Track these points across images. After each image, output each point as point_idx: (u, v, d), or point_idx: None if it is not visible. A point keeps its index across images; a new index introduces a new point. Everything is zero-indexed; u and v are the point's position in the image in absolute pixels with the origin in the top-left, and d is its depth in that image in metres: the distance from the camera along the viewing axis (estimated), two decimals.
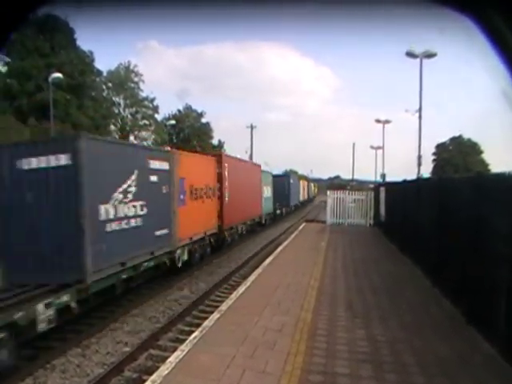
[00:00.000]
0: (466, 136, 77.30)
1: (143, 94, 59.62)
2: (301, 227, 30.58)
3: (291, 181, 50.55)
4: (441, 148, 77.26)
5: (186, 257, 17.09)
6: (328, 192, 34.61)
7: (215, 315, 9.72)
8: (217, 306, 11.19)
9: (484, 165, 70.30)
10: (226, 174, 22.85)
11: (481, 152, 76.96)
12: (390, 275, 14.37)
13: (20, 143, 12.57)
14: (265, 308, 10.15)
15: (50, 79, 30.49)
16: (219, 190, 21.86)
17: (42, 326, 9.26)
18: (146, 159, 13.77)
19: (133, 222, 12.55)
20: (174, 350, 8.25)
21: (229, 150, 73.46)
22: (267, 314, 9.75)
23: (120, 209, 11.87)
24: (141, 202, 12.97)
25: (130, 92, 58.42)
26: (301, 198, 62.34)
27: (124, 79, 57.70)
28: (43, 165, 10.33)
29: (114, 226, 11.54)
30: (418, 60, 26.88)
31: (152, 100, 60.18)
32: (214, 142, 72.38)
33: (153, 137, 59.36)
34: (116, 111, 57.24)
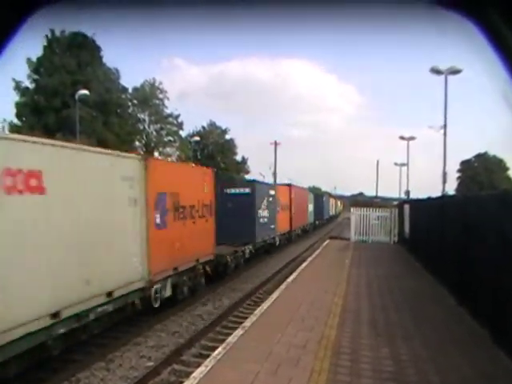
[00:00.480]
0: (491, 152, 76.45)
1: (168, 111, 60.31)
2: (325, 244, 30.46)
3: (324, 199, 62.78)
4: (466, 165, 76.46)
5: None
6: (352, 209, 34.47)
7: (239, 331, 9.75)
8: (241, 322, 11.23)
9: (510, 182, 69.32)
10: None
11: (507, 169, 75.99)
12: (413, 293, 14.22)
13: (226, 180, 25.70)
14: (288, 324, 10.13)
15: (76, 96, 31.07)
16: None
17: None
18: None
19: None
20: (198, 365, 8.27)
21: (252, 166, 73.89)
22: (291, 330, 9.73)
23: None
24: None
25: (155, 108, 59.11)
26: (331, 213, 74.93)
27: (149, 96, 58.42)
28: (237, 191, 22.82)
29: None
30: (442, 76, 26.76)
31: (177, 117, 60.83)
32: (238, 158, 72.67)
33: (177, 153, 59.89)
34: (141, 127, 57.94)
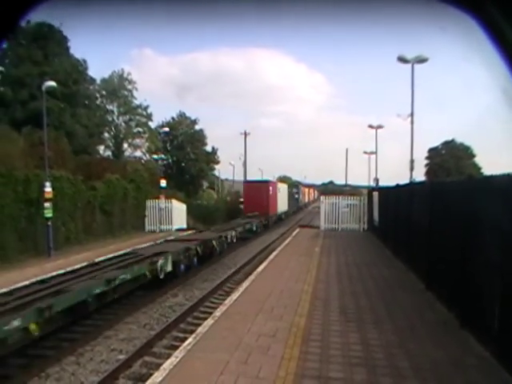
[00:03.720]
0: (458, 140, 77.62)
1: (137, 102, 59.63)
2: (295, 232, 30.63)
3: (300, 189, 73.65)
4: (433, 152, 77.38)
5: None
6: (321, 197, 34.72)
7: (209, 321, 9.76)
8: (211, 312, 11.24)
9: (476, 168, 70.59)
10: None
11: (473, 156, 77.30)
12: (383, 279, 14.42)
13: None
14: (258, 313, 10.18)
15: (43, 87, 30.47)
16: None
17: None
18: None
19: None
20: (169, 356, 8.25)
21: (222, 156, 73.69)
22: (261, 319, 9.78)
23: None
24: None
25: (124, 100, 58.35)
26: (305, 201, 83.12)
27: (117, 87, 57.64)
28: None
29: None
30: (415, 64, 26.92)
31: (145, 108, 60.16)
32: (208, 148, 72.34)
33: (147, 144, 59.35)
34: (110, 119, 57.16)
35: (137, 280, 14.32)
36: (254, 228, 33.55)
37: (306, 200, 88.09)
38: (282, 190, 50.15)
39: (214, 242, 21.86)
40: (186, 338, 9.38)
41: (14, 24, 1.92)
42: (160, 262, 15.24)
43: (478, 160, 75.97)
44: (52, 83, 30.95)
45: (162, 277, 15.28)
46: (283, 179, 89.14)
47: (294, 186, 73.28)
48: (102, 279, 12.35)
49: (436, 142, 78.87)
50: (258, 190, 40.49)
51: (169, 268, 15.96)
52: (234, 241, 26.11)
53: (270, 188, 42.32)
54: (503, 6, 1.71)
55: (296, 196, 67.21)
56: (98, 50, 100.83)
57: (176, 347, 9.15)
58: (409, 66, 26.67)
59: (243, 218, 36.52)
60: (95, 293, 11.82)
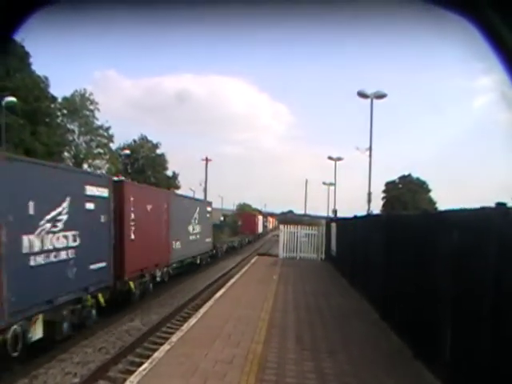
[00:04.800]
0: (415, 175, 79.64)
1: (98, 123, 59.14)
2: (253, 260, 30.66)
3: (268, 219, 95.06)
4: (390, 185, 79.12)
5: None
6: (281, 226, 34.97)
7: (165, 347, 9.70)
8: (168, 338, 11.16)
9: (432, 203, 72.42)
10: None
11: (429, 190, 79.34)
12: (339, 308, 14.61)
13: None
14: (215, 340, 10.18)
15: (3, 103, 30.02)
16: None
17: None
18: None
19: None
20: (124, 381, 8.17)
21: (183, 181, 73.44)
22: (218, 345, 9.78)
23: None
24: None
25: (85, 120, 57.78)
26: (259, 231, 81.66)
27: (79, 106, 57.13)
28: None
29: None
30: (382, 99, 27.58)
31: (107, 129, 59.71)
32: (169, 173, 72.08)
33: (107, 166, 58.71)
34: (70, 138, 56.46)
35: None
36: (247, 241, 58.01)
37: (270, 227, 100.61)
38: (261, 219, 79.61)
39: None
40: (142, 363, 9.30)
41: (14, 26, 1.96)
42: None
43: (432, 195, 78.05)
44: (12, 99, 30.53)
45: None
46: (243, 206, 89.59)
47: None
48: None
49: (393, 176, 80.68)
50: (250, 218, 71.09)
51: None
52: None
53: (256, 218, 74.27)
54: (501, 9, 1.72)
55: (265, 223, 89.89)
56: (60, 68, 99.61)
57: (132, 372, 9.06)
58: (368, 100, 27.39)
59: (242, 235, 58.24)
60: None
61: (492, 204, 6.16)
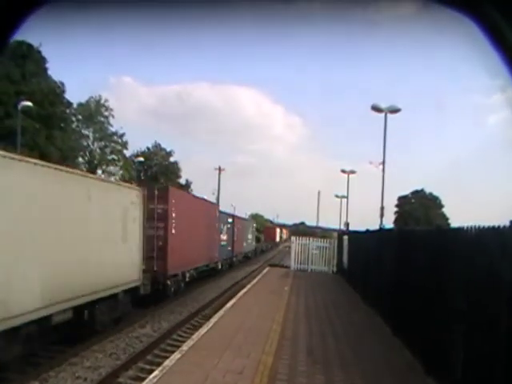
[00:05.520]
0: (427, 190, 79.26)
1: (112, 129, 59.59)
2: (265, 271, 30.60)
3: (282, 231, 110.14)
4: (403, 200, 78.78)
5: None
6: (292, 238, 34.91)
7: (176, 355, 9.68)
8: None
9: (445, 218, 71.98)
10: None
11: (442, 206, 78.93)
12: (351, 322, 14.51)
13: None
14: (226, 350, 10.14)
15: (19, 106, 30.28)
16: None
17: None
18: None
19: None
20: None
21: (196, 190, 73.65)
22: (228, 355, 9.74)
23: None
24: None
25: (100, 126, 58.29)
26: (278, 240, 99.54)
27: (94, 113, 57.61)
28: None
29: None
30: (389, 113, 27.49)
31: (121, 135, 60.16)
32: (182, 181, 72.34)
33: (121, 172, 59.04)
34: (85, 144, 56.94)
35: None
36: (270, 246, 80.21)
37: (284, 238, 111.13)
38: (278, 231, 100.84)
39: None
40: (152, 370, 9.28)
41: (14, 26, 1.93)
42: None
43: (445, 211, 77.60)
44: (28, 103, 30.78)
45: None
46: (256, 217, 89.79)
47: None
48: None
49: (406, 190, 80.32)
50: (271, 230, 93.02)
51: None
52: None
53: (275, 230, 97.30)
54: (502, 7, 1.71)
55: (281, 234, 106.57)
56: (76, 74, 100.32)
57: (142, 379, 9.04)
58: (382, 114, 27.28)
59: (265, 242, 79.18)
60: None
61: (507, 222, 6.11)
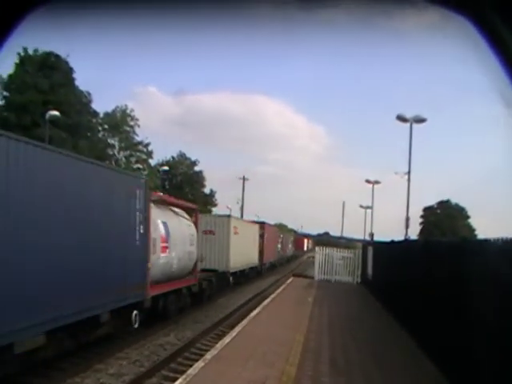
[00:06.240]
0: (454, 200, 78.20)
1: (138, 138, 60.22)
2: (289, 281, 30.51)
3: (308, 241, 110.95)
4: (428, 211, 77.85)
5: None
6: (316, 248, 34.78)
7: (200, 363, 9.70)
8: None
9: (471, 230, 70.92)
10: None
11: (468, 217, 77.77)
12: (375, 334, 14.37)
13: None
14: (249, 359, 10.13)
15: (46, 116, 30.80)
16: None
17: None
18: None
19: None
20: None
21: (220, 199, 74.00)
22: (251, 365, 9.73)
23: None
24: None
25: (125, 135, 58.96)
26: (305, 249, 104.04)
27: (120, 122, 58.32)
28: None
29: None
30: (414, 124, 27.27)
31: (147, 145, 60.77)
32: (206, 190, 72.76)
33: None
34: (110, 153, 57.60)
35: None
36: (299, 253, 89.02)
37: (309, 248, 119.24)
38: (306, 241, 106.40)
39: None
40: (176, 378, 9.31)
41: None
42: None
43: (471, 222, 76.42)
44: (55, 112, 31.29)
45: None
46: (280, 227, 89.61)
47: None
48: None
49: (431, 201, 79.36)
50: (300, 240, 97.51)
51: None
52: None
53: (304, 240, 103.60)
54: (502, 10, 1.70)
55: (308, 244, 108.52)
56: (102, 84, 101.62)
57: None
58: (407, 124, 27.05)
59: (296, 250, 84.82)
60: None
61: None
